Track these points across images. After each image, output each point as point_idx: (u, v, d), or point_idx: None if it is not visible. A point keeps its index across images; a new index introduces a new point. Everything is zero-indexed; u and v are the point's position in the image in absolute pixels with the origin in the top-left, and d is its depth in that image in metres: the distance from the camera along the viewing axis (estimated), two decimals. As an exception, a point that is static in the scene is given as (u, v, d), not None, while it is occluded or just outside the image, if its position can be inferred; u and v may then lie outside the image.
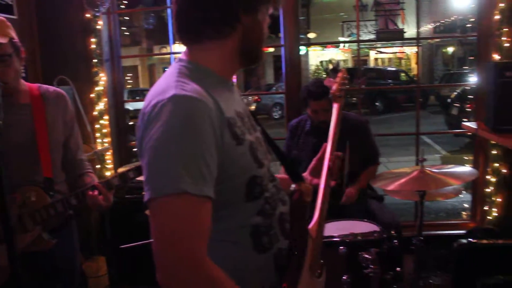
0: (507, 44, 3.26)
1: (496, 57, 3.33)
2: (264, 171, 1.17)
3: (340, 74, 1.74)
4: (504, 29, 3.26)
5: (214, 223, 1.04)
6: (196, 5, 1.12)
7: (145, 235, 2.44)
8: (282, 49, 3.70)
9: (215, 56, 1.16)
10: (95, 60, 3.61)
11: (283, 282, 1.18)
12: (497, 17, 3.31)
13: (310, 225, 1.31)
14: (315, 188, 1.43)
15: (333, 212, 2.52)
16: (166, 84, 1.07)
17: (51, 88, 2.02)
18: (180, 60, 1.17)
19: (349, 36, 17.47)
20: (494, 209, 3.50)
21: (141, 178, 1.87)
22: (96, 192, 1.84)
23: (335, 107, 1.65)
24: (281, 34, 3.65)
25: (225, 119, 1.07)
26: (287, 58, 3.69)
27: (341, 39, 19.33)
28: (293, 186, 1.28)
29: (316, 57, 23.68)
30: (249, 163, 1.12)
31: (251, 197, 1.14)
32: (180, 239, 0.96)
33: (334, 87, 1.69)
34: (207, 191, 1.00)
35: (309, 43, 22.82)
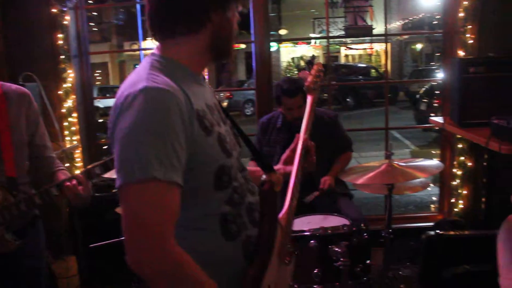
0: (471, 41, 3.35)
1: (461, 53, 3.42)
2: (233, 161, 1.22)
3: (315, 67, 1.77)
4: (468, 26, 3.35)
5: (184, 210, 1.10)
6: (168, 1, 1.17)
7: (115, 233, 2.42)
8: (253, 46, 3.70)
9: (186, 51, 1.20)
10: (62, 57, 3.53)
11: (251, 268, 1.21)
12: (461, 14, 3.40)
13: (280, 214, 1.36)
14: (288, 178, 1.47)
15: (304, 206, 2.56)
16: (138, 77, 1.12)
17: (14, 86, 1.96)
18: (153, 54, 1.21)
19: (320, 32, 17.62)
20: (460, 201, 3.60)
21: (108, 174, 1.87)
22: (74, 182, 1.80)
23: (309, 99, 1.68)
24: (252, 31, 3.66)
25: (194, 111, 1.12)
26: (257, 54, 3.70)
27: (312, 35, 19.47)
28: (264, 176, 1.33)
29: (287, 53, 23.77)
30: (217, 153, 1.16)
31: (219, 186, 1.18)
32: (148, 223, 1.01)
33: (309, 79, 1.72)
34: (176, 177, 1.05)
35: (280, 40, 22.91)
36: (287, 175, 1.48)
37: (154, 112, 1.04)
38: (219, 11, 1.19)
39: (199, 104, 1.15)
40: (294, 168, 1.47)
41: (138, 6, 4.26)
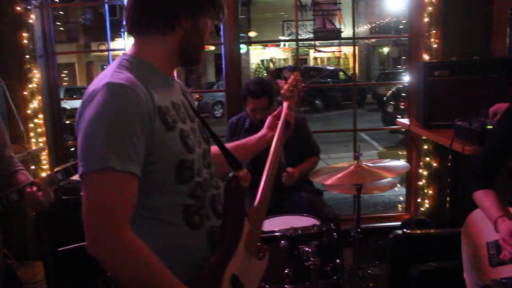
0: (435, 45, 3.45)
1: (426, 57, 3.52)
2: (195, 157, 1.27)
3: (292, 76, 1.82)
4: (433, 31, 3.46)
5: (148, 201, 1.20)
6: (143, 0, 1.25)
7: (83, 237, 2.36)
8: (222, 47, 3.71)
9: (155, 51, 1.27)
10: (27, 56, 3.45)
11: (213, 255, 1.27)
12: (426, 19, 3.50)
13: (252, 207, 1.41)
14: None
15: (275, 207, 2.57)
16: (104, 75, 1.20)
17: None
18: (124, 54, 1.28)
19: (289, 35, 17.68)
20: (426, 201, 3.70)
21: (76, 177, 1.83)
22: (34, 188, 1.76)
23: (284, 105, 1.73)
24: (221, 32, 3.66)
25: (156, 107, 1.18)
26: (227, 56, 3.71)
27: (281, 38, 19.59)
28: (231, 173, 1.39)
29: (257, 56, 23.85)
30: (178, 147, 1.22)
31: (181, 179, 1.23)
32: (103, 210, 1.08)
33: (285, 87, 1.76)
34: (132, 168, 1.11)
35: (249, 42, 22.99)
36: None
37: (114, 105, 1.11)
38: (190, 18, 1.25)
39: (162, 101, 1.21)
40: (267, 165, 1.51)
41: (106, 6, 4.20)
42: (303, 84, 1.91)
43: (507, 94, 2.65)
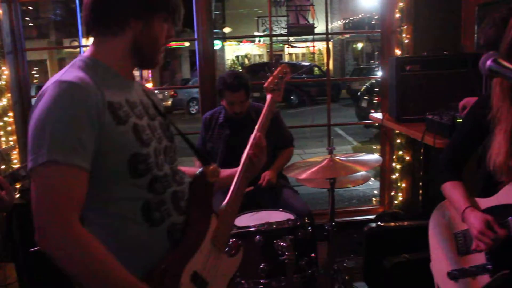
0: (407, 41, 3.50)
1: (398, 52, 3.57)
2: (149, 150, 1.27)
3: (279, 68, 1.78)
4: (404, 26, 3.50)
5: (105, 196, 1.23)
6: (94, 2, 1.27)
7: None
8: (196, 43, 3.68)
9: (109, 52, 1.29)
10: (-5, 53, 3.37)
11: (175, 253, 1.27)
12: (397, 15, 3.55)
13: (222, 205, 1.42)
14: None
15: (250, 202, 2.57)
16: (56, 74, 1.24)
17: None
18: (81, 55, 1.32)
19: (264, 31, 17.71)
20: (399, 194, 3.76)
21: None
22: None
23: (267, 98, 1.71)
24: (195, 28, 3.64)
25: (106, 102, 1.20)
26: (200, 52, 3.69)
27: (256, 33, 19.58)
28: (200, 169, 1.41)
29: (232, 51, 23.80)
30: (130, 141, 1.23)
31: (136, 173, 1.24)
32: (50, 203, 1.10)
33: (269, 79, 1.73)
34: (78, 161, 1.13)
35: (224, 37, 22.91)
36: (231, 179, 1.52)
37: (60, 102, 1.14)
38: (141, 20, 1.27)
39: (115, 97, 1.24)
40: (241, 162, 1.52)
41: (77, 1, 4.12)
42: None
43: (475, 88, 2.70)
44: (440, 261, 1.89)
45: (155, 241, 1.27)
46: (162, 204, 1.29)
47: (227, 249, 1.42)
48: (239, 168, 1.51)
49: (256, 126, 1.59)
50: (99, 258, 1.12)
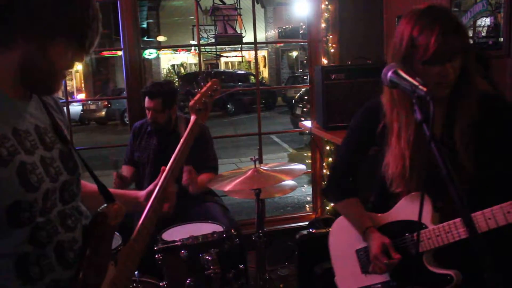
0: (332, 50, 3.58)
1: (325, 61, 3.64)
2: (36, 196, 1.09)
3: (209, 84, 1.60)
4: (330, 36, 3.59)
5: None
6: None
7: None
8: (123, 54, 3.58)
9: None
10: None
11: None
12: (323, 25, 3.63)
13: (122, 249, 1.28)
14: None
15: (179, 215, 2.51)
16: None
17: None
18: None
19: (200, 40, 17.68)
20: (330, 200, 3.82)
21: None
22: None
23: (191, 119, 1.53)
24: (120, 38, 3.54)
25: None
26: (127, 62, 3.59)
27: (192, 42, 19.47)
28: (102, 207, 1.22)
29: (168, 60, 23.50)
30: (12, 187, 1.04)
31: (16, 223, 1.05)
32: None
33: (196, 97, 1.55)
34: None
35: (159, 47, 22.61)
36: (141, 208, 1.41)
37: None
38: (33, 41, 1.09)
39: None
40: (149, 202, 1.39)
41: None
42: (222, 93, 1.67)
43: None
44: (346, 277, 1.85)
45: None
46: (43, 258, 1.09)
47: None
48: (147, 206, 1.37)
49: (173, 156, 1.44)
50: None
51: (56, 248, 1.12)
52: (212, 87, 1.60)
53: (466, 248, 1.42)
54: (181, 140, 1.48)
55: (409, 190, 1.60)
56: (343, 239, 1.85)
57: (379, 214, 1.72)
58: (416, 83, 1.11)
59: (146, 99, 2.91)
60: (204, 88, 1.58)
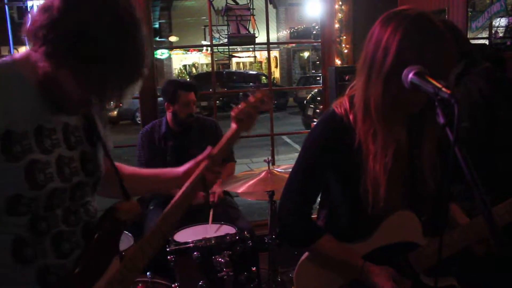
0: (346, 50, 3.56)
1: (338, 61, 3.62)
2: (40, 193, 1.11)
3: (259, 95, 1.50)
4: (343, 37, 3.56)
5: None
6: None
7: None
8: (135, 53, 3.58)
9: (32, 65, 1.08)
10: None
11: None
12: (336, 26, 3.60)
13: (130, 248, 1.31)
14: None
15: (189, 217, 2.50)
16: None
17: None
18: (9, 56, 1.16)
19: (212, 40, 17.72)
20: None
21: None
22: None
23: (232, 127, 1.47)
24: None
25: (2, 130, 1.06)
26: (140, 61, 3.58)
27: (204, 43, 19.50)
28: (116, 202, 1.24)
29: (179, 60, 23.60)
30: (15, 180, 1.08)
31: (13, 212, 1.10)
32: None
33: (240, 106, 1.47)
34: None
35: (171, 47, 22.67)
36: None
37: None
38: (48, 61, 1.04)
39: (19, 124, 1.08)
40: (179, 193, 1.35)
41: (6, 8, 3.92)
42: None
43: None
44: None
45: (18, 277, 1.13)
46: (38, 244, 1.14)
47: None
48: (167, 209, 1.32)
49: (214, 149, 1.40)
50: None
51: (53, 238, 1.16)
52: (260, 99, 1.51)
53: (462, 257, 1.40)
54: (222, 142, 1.45)
55: (390, 211, 1.44)
56: (321, 279, 1.59)
57: (359, 244, 1.50)
58: (440, 85, 1.06)
59: (182, 93, 2.90)
60: (251, 98, 1.50)
